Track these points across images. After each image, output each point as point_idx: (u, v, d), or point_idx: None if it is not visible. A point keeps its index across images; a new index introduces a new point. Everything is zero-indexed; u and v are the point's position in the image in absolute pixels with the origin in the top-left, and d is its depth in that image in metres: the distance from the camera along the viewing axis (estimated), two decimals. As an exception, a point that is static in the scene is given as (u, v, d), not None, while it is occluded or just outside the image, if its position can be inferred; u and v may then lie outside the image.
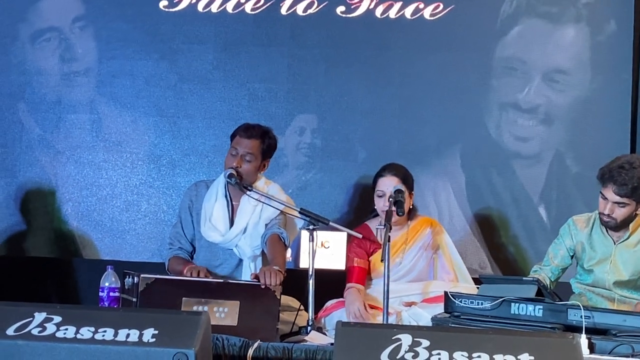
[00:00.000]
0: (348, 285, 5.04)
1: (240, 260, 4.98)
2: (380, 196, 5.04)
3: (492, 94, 5.96)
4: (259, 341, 4.18)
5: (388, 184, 5.02)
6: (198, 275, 4.63)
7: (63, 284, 6.07)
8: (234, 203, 5.01)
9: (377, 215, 5.12)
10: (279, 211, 4.96)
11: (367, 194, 5.60)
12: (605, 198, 4.69)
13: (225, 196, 5.00)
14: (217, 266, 4.96)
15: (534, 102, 5.92)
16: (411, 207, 5.14)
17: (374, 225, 5.13)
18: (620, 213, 4.69)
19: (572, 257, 4.90)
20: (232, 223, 4.98)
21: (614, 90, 5.91)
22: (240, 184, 4.87)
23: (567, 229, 4.92)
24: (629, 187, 4.61)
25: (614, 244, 4.80)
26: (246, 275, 4.89)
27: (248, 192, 4.90)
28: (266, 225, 4.97)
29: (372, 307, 4.92)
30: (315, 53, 5.98)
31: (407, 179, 5.08)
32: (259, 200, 4.92)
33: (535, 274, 4.86)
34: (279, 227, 4.94)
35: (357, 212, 5.80)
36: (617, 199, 4.65)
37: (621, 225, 4.75)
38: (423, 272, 5.11)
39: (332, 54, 5.98)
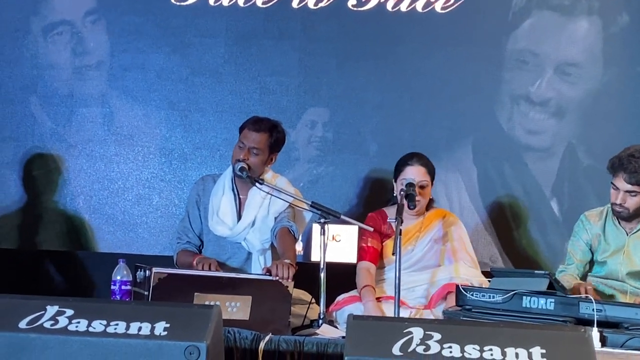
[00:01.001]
0: (360, 264, 5.00)
1: (249, 254, 4.97)
2: None
3: (503, 87, 5.95)
4: (270, 334, 4.18)
5: (415, 173, 4.97)
6: (209, 268, 4.64)
7: (75, 277, 6.08)
8: (241, 197, 5.01)
9: (395, 203, 5.07)
10: (288, 204, 4.95)
11: (378, 187, 5.60)
12: (616, 188, 4.68)
13: (233, 190, 5.00)
14: (226, 260, 4.96)
15: (545, 95, 5.91)
16: (431, 197, 5.12)
17: (391, 212, 5.08)
18: (632, 202, 4.68)
19: (590, 250, 4.89)
20: (239, 217, 4.98)
21: (626, 83, 5.90)
22: (251, 177, 4.87)
23: (581, 225, 4.91)
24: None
25: (627, 235, 4.79)
26: (256, 269, 4.89)
27: (258, 185, 4.88)
28: (275, 218, 4.96)
29: (385, 298, 4.91)
30: (326, 46, 5.98)
31: (432, 170, 5.05)
32: (270, 194, 4.92)
33: (562, 274, 4.84)
34: (288, 220, 4.93)
35: (368, 205, 5.78)
36: (629, 187, 4.64)
37: (634, 216, 4.74)
38: (432, 263, 5.08)
39: (343, 47, 5.97)
